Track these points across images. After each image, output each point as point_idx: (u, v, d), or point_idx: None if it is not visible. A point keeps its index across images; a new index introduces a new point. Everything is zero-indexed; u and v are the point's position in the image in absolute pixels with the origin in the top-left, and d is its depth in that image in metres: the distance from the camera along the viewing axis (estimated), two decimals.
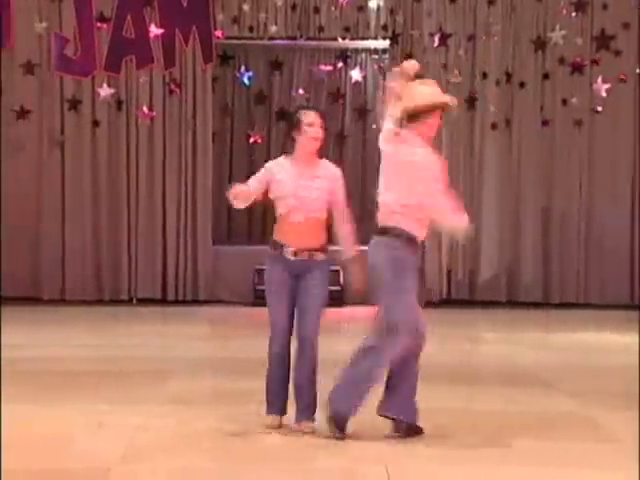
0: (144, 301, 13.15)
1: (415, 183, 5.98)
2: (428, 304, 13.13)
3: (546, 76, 13.27)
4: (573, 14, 13.20)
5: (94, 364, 8.76)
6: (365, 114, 15.03)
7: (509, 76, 13.28)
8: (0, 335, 8.82)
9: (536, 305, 13.14)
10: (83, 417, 6.55)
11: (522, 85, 13.27)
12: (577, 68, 13.21)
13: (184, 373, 8.13)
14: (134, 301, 13.17)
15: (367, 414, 6.06)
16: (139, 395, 7.27)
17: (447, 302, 13.23)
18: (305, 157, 6.21)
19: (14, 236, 13.04)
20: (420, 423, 6.07)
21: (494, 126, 13.29)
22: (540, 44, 13.23)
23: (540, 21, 13.27)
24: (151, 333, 10.86)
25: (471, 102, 13.28)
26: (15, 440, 5.98)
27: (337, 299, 12.93)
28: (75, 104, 13.07)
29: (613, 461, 5.61)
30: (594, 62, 13.19)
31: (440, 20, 13.24)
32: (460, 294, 13.39)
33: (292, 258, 6.13)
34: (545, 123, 13.30)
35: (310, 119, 6.17)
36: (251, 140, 14.84)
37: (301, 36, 13.43)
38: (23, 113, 12.97)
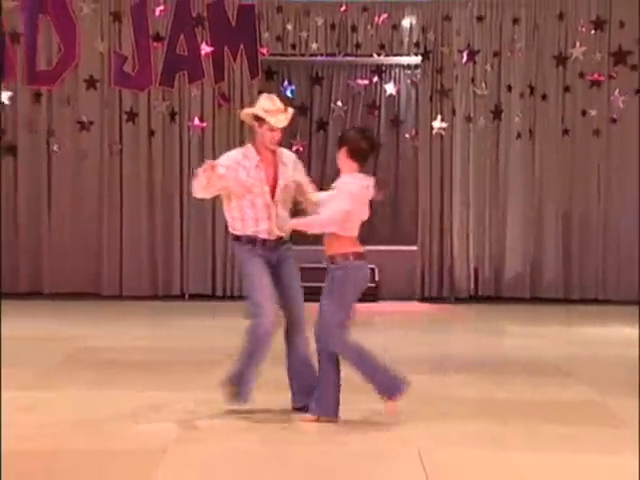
0: (195, 296, 13.21)
1: None
2: (456, 300, 13.18)
3: (567, 89, 13.20)
4: (592, 32, 13.12)
5: (149, 354, 8.80)
6: (398, 125, 14.99)
7: (532, 89, 13.21)
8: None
9: (558, 301, 13.07)
10: (139, 402, 6.58)
11: (544, 97, 13.20)
12: (596, 82, 13.13)
13: (231, 362, 8.14)
14: (186, 296, 13.22)
15: (399, 399, 6.04)
16: (191, 382, 7.30)
17: (474, 298, 13.18)
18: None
19: (77, 237, 13.15)
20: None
21: (518, 135, 13.24)
22: (561, 59, 13.16)
23: (561, 38, 13.20)
24: (201, 326, 10.90)
25: (497, 113, 13.23)
26: (75, 422, 6.03)
27: (371, 295, 12.94)
28: (133, 116, 13.15)
29: (631, 446, 5.56)
30: (611, 76, 13.11)
31: (468, 38, 13.21)
32: (486, 291, 13.34)
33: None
34: (566, 132, 13.23)
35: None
36: (294, 148, 14.84)
37: (340, 53, 13.44)
38: (86, 124, 13.07)
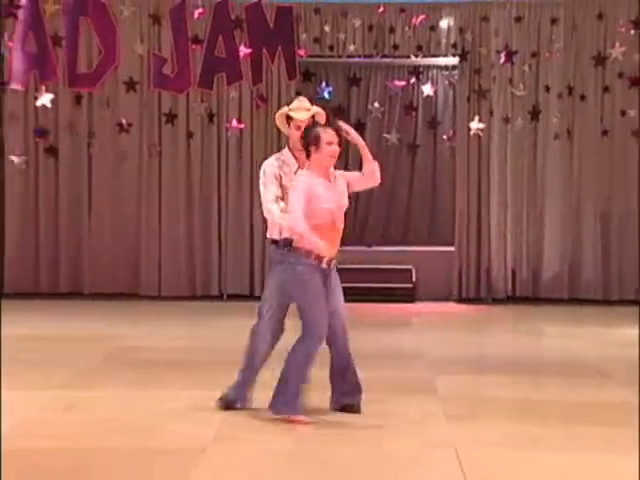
0: (233, 297, 13.25)
1: None
2: (494, 301, 13.12)
3: (606, 89, 13.10)
4: (632, 31, 12.99)
5: (187, 353, 8.86)
6: (435, 126, 14.96)
7: (571, 89, 13.13)
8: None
9: (596, 302, 12.97)
10: (178, 401, 6.62)
11: (583, 98, 13.11)
12: (635, 82, 13.00)
13: (269, 363, 8.16)
14: (224, 297, 13.28)
15: (435, 400, 6.03)
16: (228, 382, 7.29)
17: (511, 299, 13.12)
18: (324, 171, 6.02)
19: (116, 238, 13.25)
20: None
21: (556, 136, 13.16)
22: (600, 60, 13.06)
23: (600, 38, 13.11)
24: (239, 326, 10.90)
25: (535, 114, 13.16)
26: (114, 421, 6.08)
27: (409, 295, 12.93)
28: (172, 117, 13.23)
29: None
30: None
31: (506, 38, 13.14)
32: (524, 292, 13.27)
33: (326, 267, 5.96)
34: (604, 133, 13.12)
35: (329, 138, 5.95)
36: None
37: (377, 54, 13.43)
38: (125, 126, 13.16)
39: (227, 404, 6.31)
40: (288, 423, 5.93)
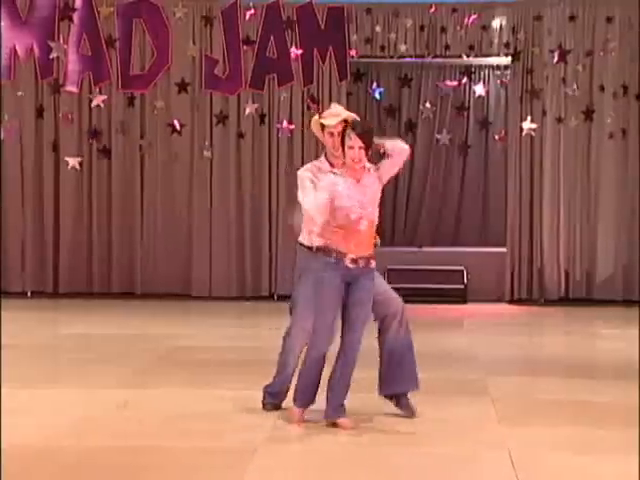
0: (283, 297, 13.26)
1: None
2: (546, 302, 13.00)
3: None
4: None
5: (239, 353, 8.89)
6: (487, 126, 14.87)
7: (625, 89, 12.97)
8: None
9: None
10: (230, 401, 6.66)
11: (638, 97, 12.94)
12: None
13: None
14: (274, 297, 13.31)
15: (488, 401, 6.00)
16: None
17: (564, 300, 12.99)
18: (352, 172, 5.98)
19: (168, 239, 13.34)
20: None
21: (611, 136, 13.00)
22: None
23: None
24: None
25: (588, 114, 13.02)
26: (168, 420, 6.13)
27: (460, 296, 12.87)
28: (223, 119, 13.29)
29: None
30: None
31: (560, 37, 13.02)
32: (577, 293, 13.13)
33: (351, 266, 5.92)
34: None
35: (350, 142, 5.92)
36: (382, 150, 14.81)
37: (428, 54, 13.36)
38: (179, 127, 13.24)
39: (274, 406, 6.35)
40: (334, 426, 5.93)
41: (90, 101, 13.18)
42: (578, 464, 5.27)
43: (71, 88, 13.16)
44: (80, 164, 13.24)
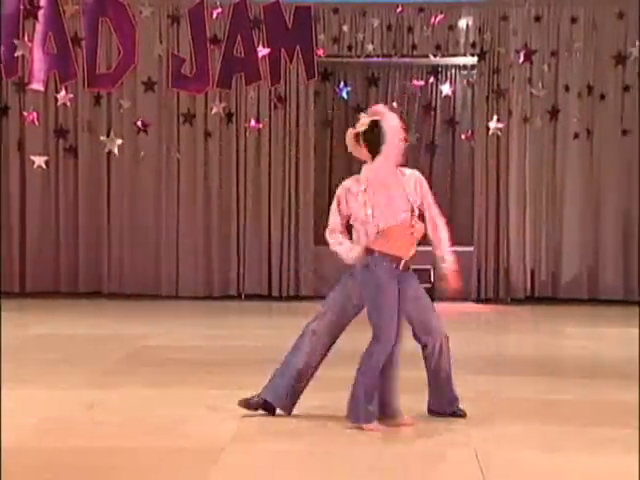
0: (251, 297, 13.28)
1: None
2: (513, 301, 13.09)
3: (626, 88, 13.05)
4: None
5: (207, 353, 8.87)
6: (454, 125, 14.94)
7: (590, 89, 13.09)
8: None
9: (617, 302, 12.92)
10: (197, 401, 6.64)
11: (602, 97, 13.07)
12: None
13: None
14: (242, 297, 13.30)
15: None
16: (247, 381, 7.30)
17: (530, 299, 13.09)
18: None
19: (135, 237, 13.29)
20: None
21: (576, 136, 13.12)
22: (620, 59, 13.01)
23: (620, 37, 13.06)
24: (257, 326, 10.97)
25: (554, 113, 13.13)
26: (135, 420, 6.11)
27: (428, 295, 12.90)
28: (190, 118, 13.26)
29: None
30: None
31: (525, 37, 13.12)
32: (543, 292, 13.23)
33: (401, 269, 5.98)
34: (624, 133, 13.08)
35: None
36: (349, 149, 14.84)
37: (396, 54, 13.42)
38: (144, 126, 13.20)
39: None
40: (311, 424, 5.93)
41: (56, 100, 13.11)
42: (544, 462, 5.31)
43: (37, 86, 13.08)
44: (46, 163, 13.16)
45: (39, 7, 13.02)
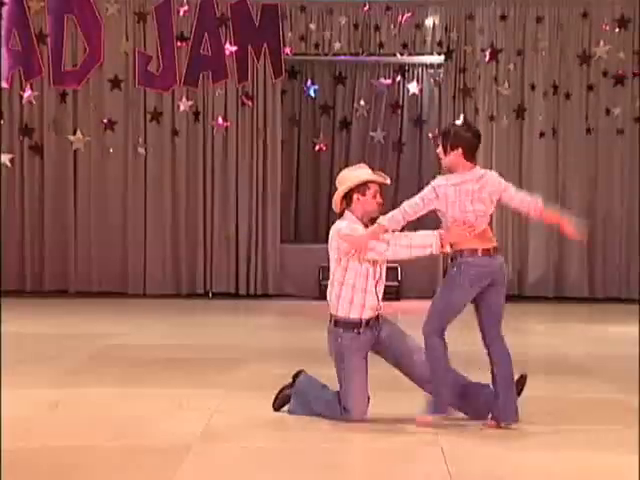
0: (218, 295, 13.25)
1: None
2: None
3: (590, 88, 13.15)
4: (616, 30, 13.06)
5: (173, 351, 8.83)
6: (421, 124, 14.99)
7: (556, 88, 13.17)
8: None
9: (581, 300, 13.02)
10: (163, 399, 6.62)
11: (568, 96, 13.16)
12: (619, 80, 13.07)
13: (255, 361, 8.19)
14: (210, 295, 13.26)
15: (421, 398, 6.05)
16: (214, 380, 7.33)
17: None
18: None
19: (102, 236, 13.21)
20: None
21: (542, 134, 13.20)
22: (585, 58, 13.11)
23: (585, 37, 13.16)
24: (225, 324, 10.95)
25: (520, 112, 13.20)
26: (101, 419, 6.08)
27: (395, 293, 12.94)
28: (157, 115, 13.20)
29: None
30: (635, 74, 13.05)
31: (491, 36, 13.18)
32: (509, 290, 13.17)
33: None
34: (589, 131, 13.18)
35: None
36: (316, 148, 14.87)
37: (363, 52, 13.44)
38: (110, 124, 13.13)
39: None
40: (277, 422, 5.91)
41: (21, 97, 13.00)
42: (509, 459, 5.33)
43: (1, 83, 12.96)
44: (11, 161, 13.05)
45: (3, 3, 12.90)
